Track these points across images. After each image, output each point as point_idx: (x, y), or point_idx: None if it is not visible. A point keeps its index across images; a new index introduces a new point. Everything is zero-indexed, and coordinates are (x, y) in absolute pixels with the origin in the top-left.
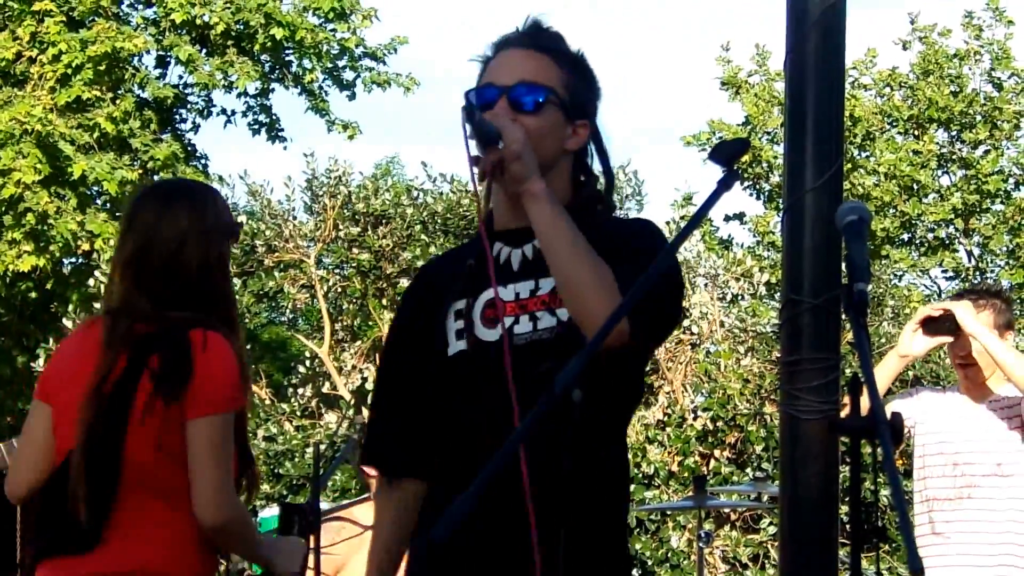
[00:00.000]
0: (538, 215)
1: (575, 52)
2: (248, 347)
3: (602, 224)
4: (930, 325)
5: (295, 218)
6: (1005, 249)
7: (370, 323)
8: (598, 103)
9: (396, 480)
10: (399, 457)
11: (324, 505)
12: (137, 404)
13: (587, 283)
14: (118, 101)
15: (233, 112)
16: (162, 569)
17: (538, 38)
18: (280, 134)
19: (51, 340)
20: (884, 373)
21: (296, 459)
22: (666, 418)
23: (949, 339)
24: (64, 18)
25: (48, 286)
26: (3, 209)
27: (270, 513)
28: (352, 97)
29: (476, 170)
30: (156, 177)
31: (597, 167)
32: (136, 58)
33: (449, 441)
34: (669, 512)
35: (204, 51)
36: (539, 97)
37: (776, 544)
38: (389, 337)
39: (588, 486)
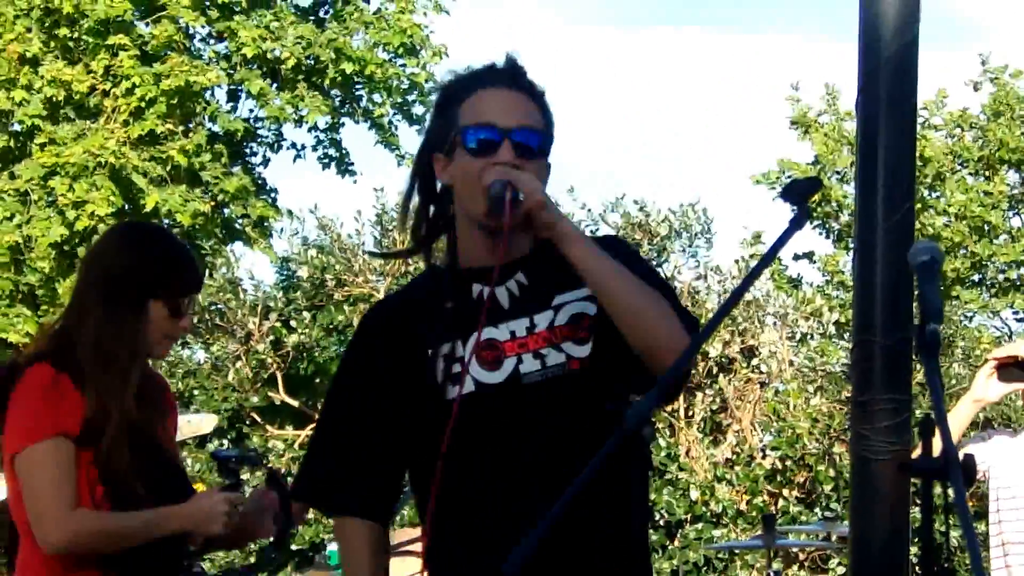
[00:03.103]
0: (580, 254)
1: (542, 90)
2: (316, 380)
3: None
4: (1005, 370)
5: (364, 252)
6: None
7: None
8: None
9: (343, 517)
10: (347, 495)
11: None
12: None
13: (649, 311)
14: (190, 134)
15: (303, 146)
16: None
17: (524, 80)
18: (350, 168)
19: None
20: (958, 418)
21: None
22: (735, 457)
23: (1022, 385)
24: (138, 52)
25: None
26: (77, 241)
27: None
28: (421, 131)
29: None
30: (227, 210)
31: None
32: (208, 92)
33: (450, 487)
34: (737, 551)
35: (275, 85)
36: (539, 142)
37: None
38: (344, 377)
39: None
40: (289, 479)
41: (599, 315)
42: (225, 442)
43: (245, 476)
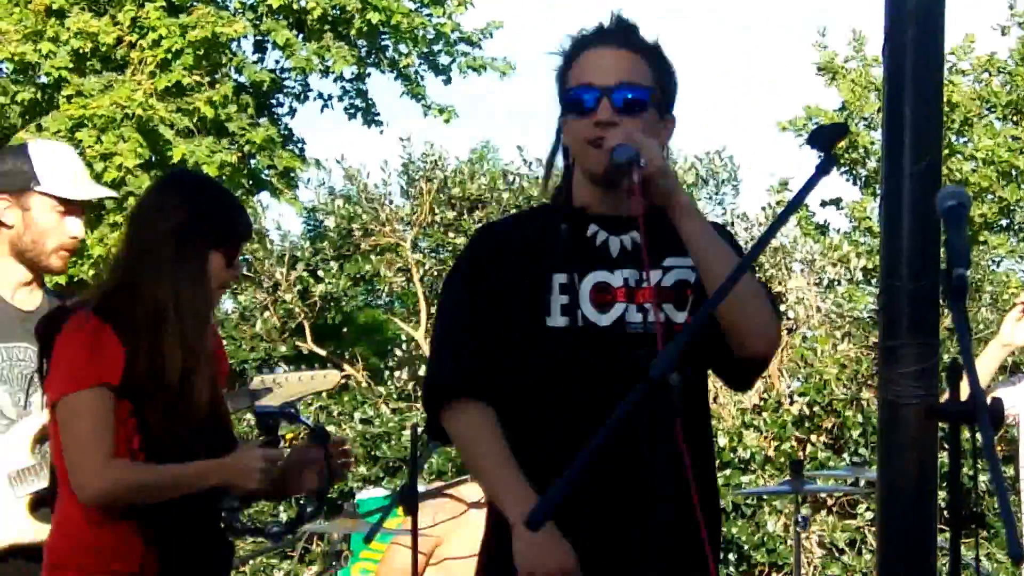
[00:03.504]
0: (690, 228)
1: (655, 44)
2: (344, 330)
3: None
4: None
5: (391, 202)
6: None
7: None
8: (676, 97)
9: (471, 400)
10: (478, 379)
11: (421, 488)
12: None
13: (748, 293)
14: (217, 86)
15: (330, 96)
16: (56, 544)
17: (628, 36)
18: (376, 118)
19: None
20: (986, 363)
21: (393, 442)
22: (762, 403)
23: None
24: (164, 3)
25: None
26: None
27: (368, 495)
28: (448, 82)
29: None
30: (254, 161)
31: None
32: (234, 43)
33: (536, 412)
34: (765, 497)
35: (301, 36)
36: (641, 97)
37: (873, 530)
38: (478, 286)
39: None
40: (332, 435)
41: (699, 285)
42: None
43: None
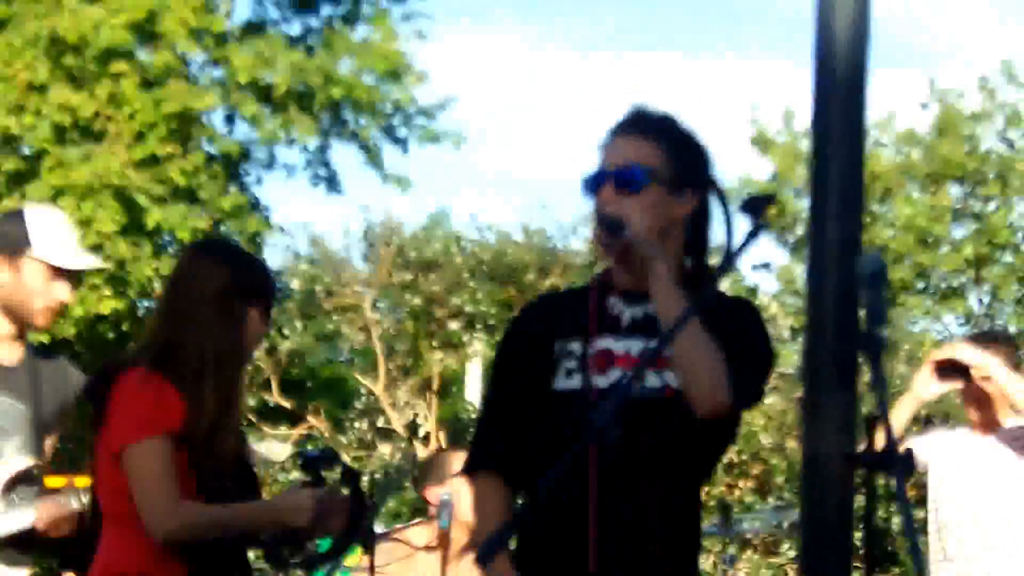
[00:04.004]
0: (661, 294)
1: (679, 128)
2: (307, 383)
3: (711, 299)
4: (943, 371)
5: (352, 265)
6: (1014, 298)
7: (420, 362)
8: (710, 170)
9: (493, 478)
10: (510, 460)
11: (378, 529)
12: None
13: (699, 361)
14: (188, 155)
15: (294, 166)
16: None
17: (639, 122)
18: (338, 187)
19: None
20: (900, 415)
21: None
22: None
23: (960, 384)
24: (139, 79)
25: (124, 327)
26: None
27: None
28: (405, 151)
29: (605, 244)
30: (224, 226)
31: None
32: (205, 115)
33: (541, 465)
34: None
35: (268, 109)
36: (640, 177)
37: (795, 567)
38: (504, 363)
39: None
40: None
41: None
42: None
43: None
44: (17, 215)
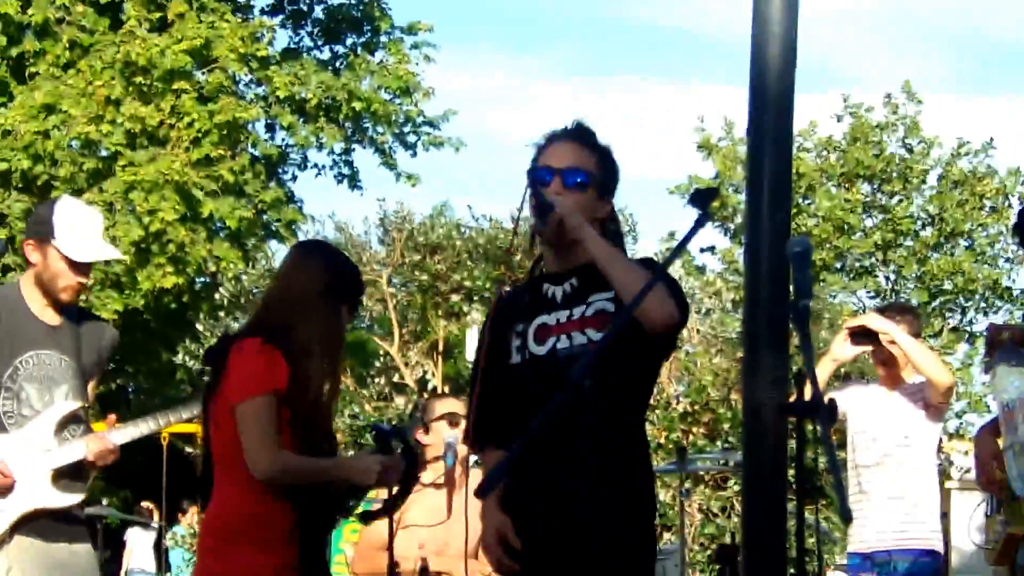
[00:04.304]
0: (594, 247)
1: (606, 145)
2: None
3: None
4: (855, 337)
5: (371, 247)
6: (914, 275)
7: (429, 329)
8: (617, 185)
9: (483, 450)
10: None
11: None
12: (209, 398)
13: (635, 280)
14: (236, 157)
15: (323, 166)
16: (220, 515)
17: (581, 135)
18: (359, 183)
19: (187, 340)
20: (820, 372)
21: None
22: (655, 403)
23: (869, 347)
24: (196, 94)
25: (184, 299)
26: (151, 240)
27: None
28: (414, 155)
29: (538, 230)
30: (265, 216)
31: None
32: (250, 124)
33: (514, 429)
34: (658, 474)
35: (301, 119)
36: (581, 179)
37: (740, 499)
38: (483, 350)
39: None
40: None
41: (616, 310)
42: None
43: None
44: (49, 206)
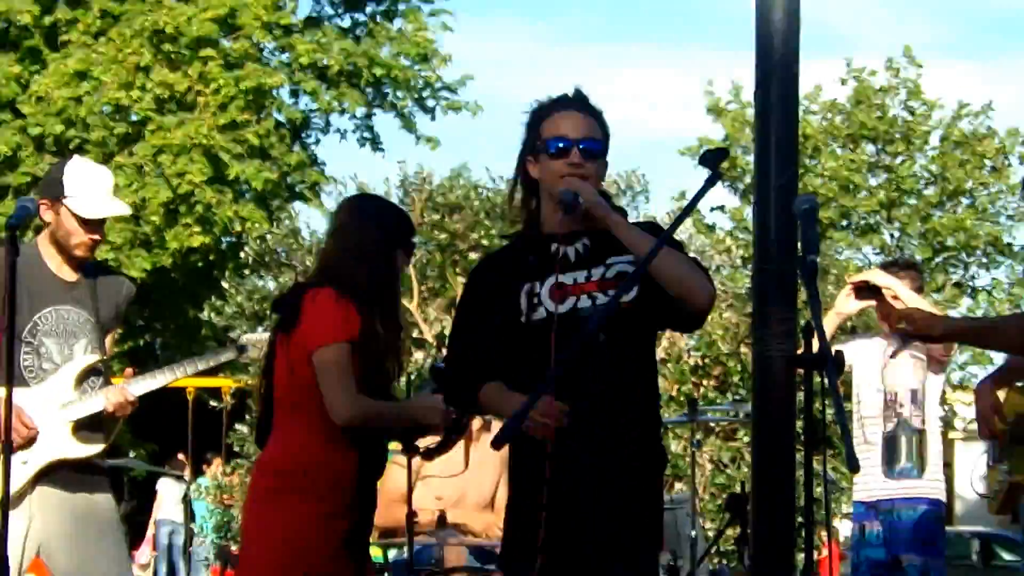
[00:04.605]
0: (625, 236)
1: (600, 110)
2: None
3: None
4: (859, 292)
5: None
6: (918, 232)
7: (447, 286)
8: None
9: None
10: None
11: None
12: (277, 344)
13: (684, 266)
14: (262, 122)
15: (346, 130)
16: (280, 459)
17: (586, 104)
18: (380, 146)
19: (213, 297)
20: (825, 327)
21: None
22: (667, 356)
23: (873, 302)
24: (222, 61)
25: (211, 257)
26: (179, 201)
27: None
28: (433, 119)
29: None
30: (289, 178)
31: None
32: (275, 90)
33: (524, 385)
34: (670, 426)
35: (324, 85)
36: (599, 149)
37: (749, 449)
38: (463, 318)
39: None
40: None
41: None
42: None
43: None
44: (60, 166)
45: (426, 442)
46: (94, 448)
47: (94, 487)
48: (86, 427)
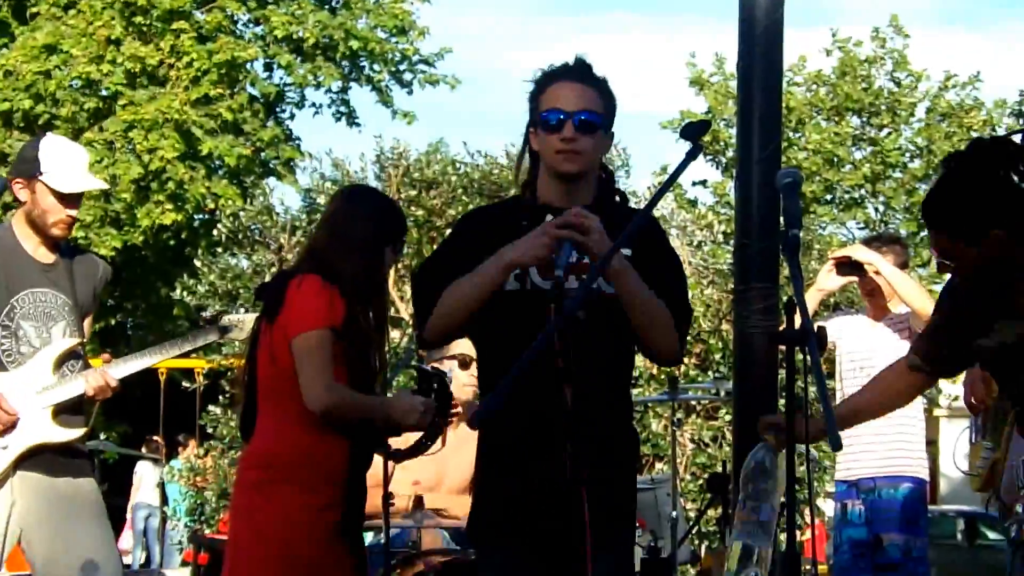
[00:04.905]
0: (623, 283)
1: (604, 79)
2: None
3: (625, 211)
4: (841, 267)
5: (367, 183)
6: (903, 207)
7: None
8: (615, 118)
9: None
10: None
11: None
12: (261, 332)
13: (658, 326)
14: (235, 96)
15: (321, 105)
16: (270, 450)
17: (587, 74)
18: (356, 121)
19: (185, 276)
20: (809, 302)
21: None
22: None
23: (855, 278)
24: (195, 34)
25: (183, 235)
26: (151, 178)
27: None
28: (410, 93)
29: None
30: (263, 153)
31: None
32: (248, 64)
33: (496, 354)
34: (650, 404)
35: (299, 58)
36: (597, 122)
37: (731, 428)
38: (442, 255)
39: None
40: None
41: (632, 261)
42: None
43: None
44: (34, 144)
45: (397, 443)
46: (75, 432)
47: (77, 471)
48: (66, 411)
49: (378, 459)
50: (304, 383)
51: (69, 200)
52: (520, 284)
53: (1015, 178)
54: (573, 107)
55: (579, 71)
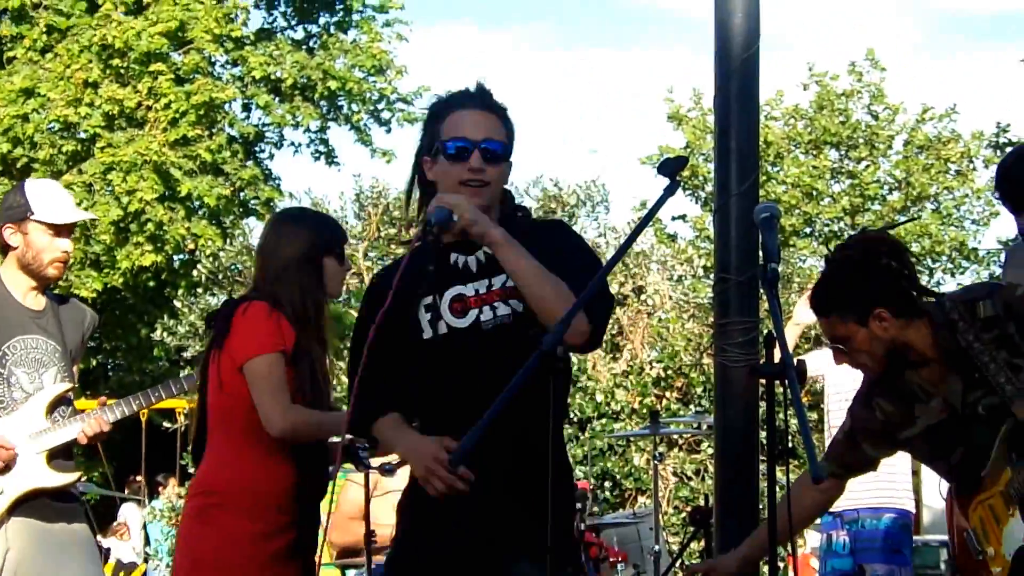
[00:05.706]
0: (505, 256)
1: (504, 107)
2: None
3: (527, 223)
4: None
5: (347, 222)
6: None
7: None
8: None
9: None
10: (380, 405)
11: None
12: (210, 360)
13: (551, 297)
14: (214, 137)
15: (300, 144)
16: (212, 477)
17: (491, 102)
18: (335, 160)
19: (165, 317)
20: (789, 336)
21: (348, 404)
22: (629, 369)
23: None
24: (173, 76)
25: (163, 276)
26: (130, 219)
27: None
28: (389, 131)
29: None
30: (243, 193)
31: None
32: (227, 104)
33: (429, 405)
34: (632, 439)
35: (277, 99)
36: (501, 151)
37: (713, 461)
38: (364, 325)
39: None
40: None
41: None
42: None
43: None
44: (19, 189)
45: (383, 459)
46: (70, 476)
47: (71, 516)
48: (59, 455)
49: (358, 492)
50: (262, 409)
51: (63, 232)
52: (434, 330)
53: (895, 265)
54: (479, 135)
55: (481, 98)
